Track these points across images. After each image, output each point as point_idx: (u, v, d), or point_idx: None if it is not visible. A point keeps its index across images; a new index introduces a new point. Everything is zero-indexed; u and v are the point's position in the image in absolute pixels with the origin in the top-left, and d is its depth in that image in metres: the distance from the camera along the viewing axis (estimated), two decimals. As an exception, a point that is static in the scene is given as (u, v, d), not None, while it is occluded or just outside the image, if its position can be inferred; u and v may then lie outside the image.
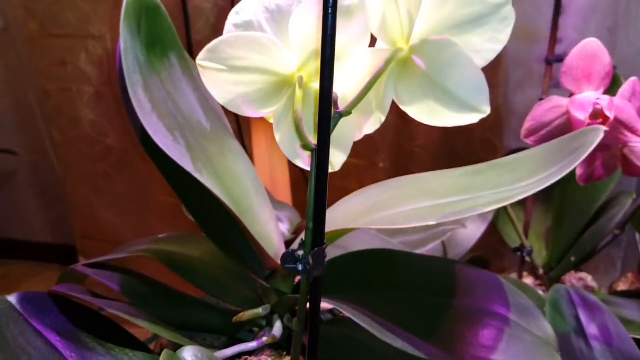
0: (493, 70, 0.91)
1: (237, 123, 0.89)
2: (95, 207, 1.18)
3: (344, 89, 0.29)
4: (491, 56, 0.26)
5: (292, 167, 0.96)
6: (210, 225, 0.40)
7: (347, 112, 0.26)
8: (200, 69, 0.28)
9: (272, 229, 0.43)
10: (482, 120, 0.92)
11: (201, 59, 0.28)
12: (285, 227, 0.63)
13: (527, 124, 0.40)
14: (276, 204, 0.66)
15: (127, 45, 0.35)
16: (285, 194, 0.73)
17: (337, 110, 0.26)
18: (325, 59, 0.23)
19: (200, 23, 0.98)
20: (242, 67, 0.27)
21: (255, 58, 0.27)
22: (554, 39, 0.50)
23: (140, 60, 0.37)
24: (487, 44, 0.25)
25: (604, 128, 0.32)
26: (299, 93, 0.27)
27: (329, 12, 0.22)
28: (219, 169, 0.42)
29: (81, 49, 1.06)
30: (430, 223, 0.31)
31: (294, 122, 0.27)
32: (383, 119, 0.28)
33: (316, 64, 0.28)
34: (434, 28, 0.26)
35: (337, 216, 0.40)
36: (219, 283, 0.43)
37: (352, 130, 0.29)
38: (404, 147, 1.01)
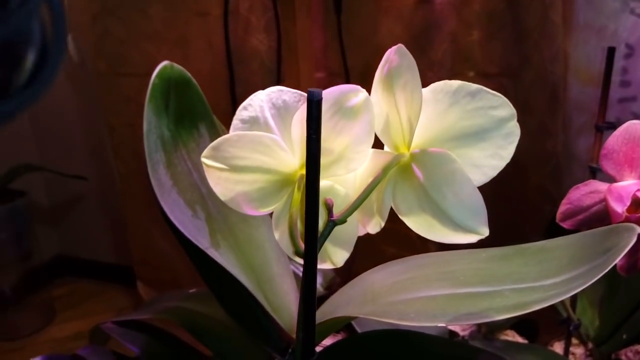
0: (552, 117, 0.87)
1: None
2: (152, 236, 1.23)
3: (347, 187, 0.28)
4: (493, 173, 0.24)
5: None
6: (226, 298, 0.40)
7: (341, 221, 0.26)
8: (204, 166, 0.28)
9: (291, 300, 0.43)
10: (539, 167, 0.89)
11: (205, 156, 0.28)
12: (317, 281, 0.62)
13: (563, 207, 0.38)
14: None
15: (151, 126, 0.37)
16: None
17: (332, 219, 0.26)
18: (310, 191, 0.22)
19: (255, 64, 1.00)
20: (243, 167, 0.27)
21: (257, 158, 0.27)
22: (604, 106, 0.47)
23: (166, 136, 0.38)
24: (489, 159, 0.24)
25: (638, 230, 0.29)
26: (296, 195, 0.27)
27: (312, 135, 0.21)
28: (240, 238, 0.42)
29: (145, 87, 1.11)
30: (440, 324, 0.29)
31: (289, 226, 0.26)
32: (382, 224, 0.27)
33: (322, 161, 0.28)
34: (435, 137, 0.25)
35: (356, 294, 0.39)
36: (238, 352, 0.43)
37: (354, 228, 0.29)
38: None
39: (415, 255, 0.41)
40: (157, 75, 0.38)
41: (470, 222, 0.23)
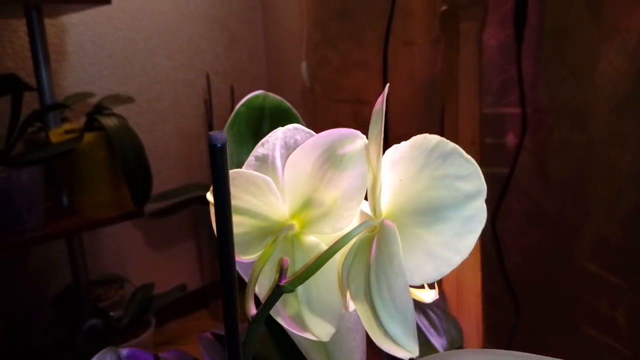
0: None
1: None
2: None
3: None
4: (445, 269, 0.17)
5: (489, 271, 0.83)
6: (282, 343, 0.38)
7: (288, 289, 0.21)
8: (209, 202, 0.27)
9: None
10: None
11: (209, 191, 0.27)
12: (440, 343, 0.54)
13: None
14: (443, 313, 0.57)
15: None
16: (473, 302, 0.63)
17: (279, 283, 0.22)
18: (222, 252, 0.19)
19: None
20: (234, 207, 0.25)
21: (247, 199, 0.25)
22: None
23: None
24: (442, 249, 0.17)
25: None
26: (268, 248, 0.24)
27: (217, 184, 0.18)
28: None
29: (351, 113, 1.16)
30: None
31: (248, 282, 0.23)
32: (348, 306, 0.21)
33: (311, 213, 0.24)
34: (402, 207, 0.18)
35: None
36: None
37: (336, 299, 0.24)
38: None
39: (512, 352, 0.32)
40: (243, 104, 0.38)
41: (394, 329, 0.16)
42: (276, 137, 0.27)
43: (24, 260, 1.28)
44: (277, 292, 0.22)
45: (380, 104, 0.20)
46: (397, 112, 1.05)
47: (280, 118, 0.41)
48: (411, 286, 0.21)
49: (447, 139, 0.64)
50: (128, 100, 1.20)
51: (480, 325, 0.60)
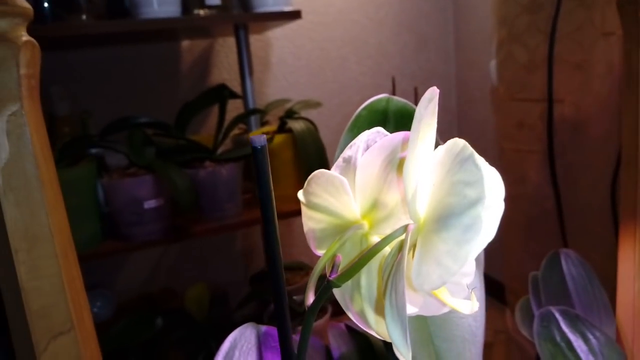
0: None
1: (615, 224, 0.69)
2: (524, 264, 1.19)
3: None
4: (446, 277, 0.15)
5: None
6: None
7: (335, 285, 0.22)
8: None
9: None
10: None
11: (302, 188, 0.30)
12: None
13: None
14: (607, 340, 0.49)
15: (345, 153, 0.39)
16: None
17: (329, 278, 0.22)
18: (269, 247, 0.21)
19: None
20: (315, 204, 0.27)
21: (326, 198, 0.27)
22: None
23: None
24: (446, 257, 0.15)
25: None
26: (334, 244, 0.25)
27: (261, 184, 0.21)
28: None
29: (538, 112, 1.07)
30: None
31: (312, 273, 0.25)
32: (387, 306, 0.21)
33: (377, 215, 0.25)
34: (430, 211, 0.18)
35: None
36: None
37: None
38: None
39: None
40: (365, 107, 0.40)
41: (393, 332, 0.16)
42: (361, 140, 0.28)
43: (230, 243, 1.49)
44: (326, 286, 0.23)
45: (423, 107, 0.20)
46: (594, 110, 0.94)
47: (405, 121, 0.41)
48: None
49: (625, 144, 0.56)
50: (316, 105, 1.30)
51: (662, 364, 0.51)
